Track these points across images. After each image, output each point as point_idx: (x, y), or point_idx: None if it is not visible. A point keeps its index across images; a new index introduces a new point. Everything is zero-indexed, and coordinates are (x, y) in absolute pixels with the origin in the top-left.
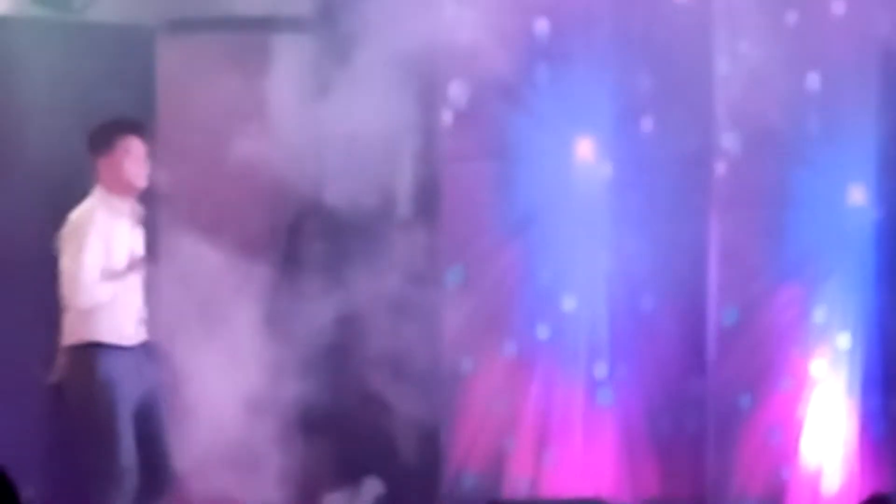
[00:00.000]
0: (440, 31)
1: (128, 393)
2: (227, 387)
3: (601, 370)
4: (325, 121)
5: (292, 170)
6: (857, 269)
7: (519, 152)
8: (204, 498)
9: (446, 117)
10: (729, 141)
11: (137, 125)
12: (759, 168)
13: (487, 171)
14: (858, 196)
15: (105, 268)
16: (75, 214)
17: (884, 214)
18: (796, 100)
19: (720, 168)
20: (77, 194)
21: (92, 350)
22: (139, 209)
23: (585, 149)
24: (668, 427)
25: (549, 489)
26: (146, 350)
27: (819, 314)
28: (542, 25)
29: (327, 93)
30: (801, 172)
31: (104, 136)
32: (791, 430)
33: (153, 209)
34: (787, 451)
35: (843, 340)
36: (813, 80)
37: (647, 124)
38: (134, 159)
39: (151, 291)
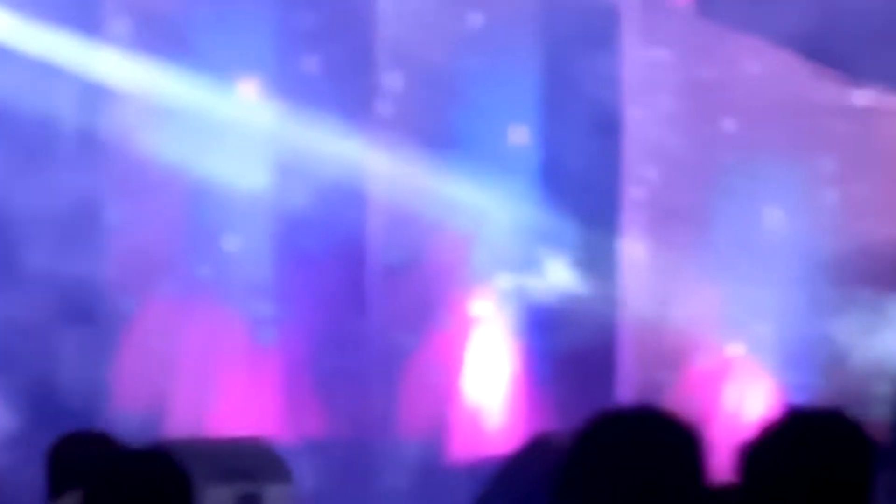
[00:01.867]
0: None
1: None
2: None
3: (264, 309)
4: None
5: None
6: (519, 209)
7: (181, 91)
8: None
9: None
10: (392, 80)
11: None
12: (421, 108)
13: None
14: (520, 136)
15: None
16: None
17: (545, 155)
18: (458, 39)
19: (384, 108)
20: None
21: None
22: None
23: (250, 88)
24: (331, 367)
25: (213, 429)
26: None
27: (480, 255)
28: None
29: None
30: (463, 112)
31: None
32: (454, 370)
33: None
34: (450, 391)
35: (506, 281)
36: (474, 19)
37: (310, 63)
38: None
39: None
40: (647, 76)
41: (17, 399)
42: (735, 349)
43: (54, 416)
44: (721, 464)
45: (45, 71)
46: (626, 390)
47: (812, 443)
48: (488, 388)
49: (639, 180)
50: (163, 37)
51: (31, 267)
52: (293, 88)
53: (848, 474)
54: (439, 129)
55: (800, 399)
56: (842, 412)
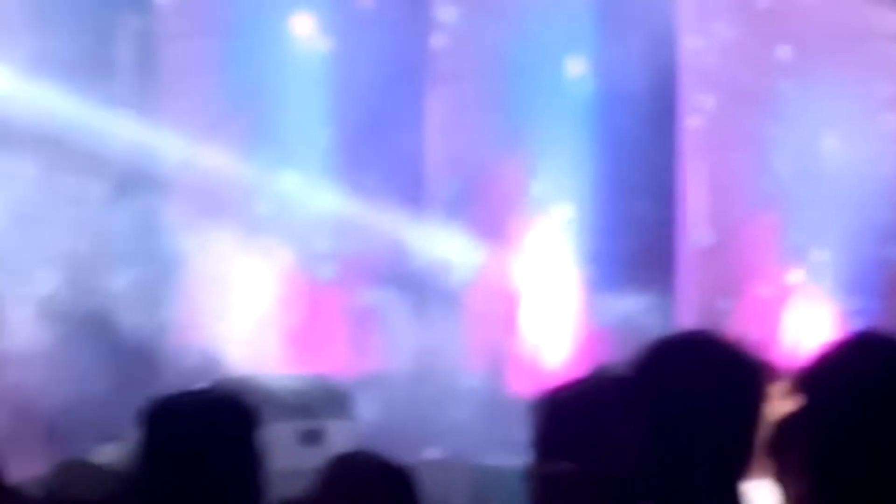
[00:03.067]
0: None
1: None
2: None
3: (321, 246)
4: None
5: None
6: (577, 141)
7: (235, 28)
8: None
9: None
10: (447, 14)
11: None
12: (477, 39)
13: (207, 49)
14: (577, 67)
15: None
16: None
17: (603, 86)
18: None
19: (438, 41)
20: None
21: None
22: None
23: (304, 24)
24: (391, 302)
25: (274, 367)
26: None
27: (539, 186)
28: None
29: None
30: (520, 43)
31: None
32: (511, 303)
33: None
34: (509, 325)
35: (565, 211)
36: None
37: None
38: None
39: None
40: (703, 4)
41: (82, 336)
42: (795, 275)
43: (115, 354)
44: (781, 390)
45: None
46: (687, 317)
47: (875, 365)
48: (549, 320)
49: (695, 109)
50: None
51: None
52: (348, 24)
53: None
54: (495, 62)
55: (860, 324)
56: None
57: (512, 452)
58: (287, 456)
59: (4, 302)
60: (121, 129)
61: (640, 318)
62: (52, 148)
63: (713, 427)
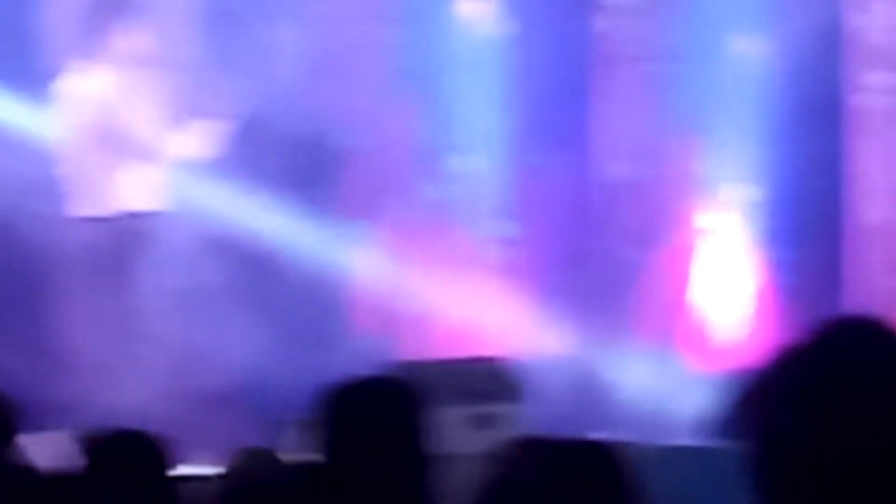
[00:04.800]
0: None
1: None
2: None
3: (498, 228)
4: None
5: None
6: (755, 120)
7: (408, 13)
8: None
9: None
10: None
11: None
12: (646, 21)
13: (372, 33)
14: (749, 46)
15: None
16: None
17: (773, 64)
18: None
19: (606, 22)
20: None
21: None
22: None
23: (477, 6)
24: (562, 283)
25: (444, 350)
26: None
27: (716, 166)
28: None
29: None
30: (689, 23)
31: None
32: (683, 283)
33: None
34: (680, 304)
35: (739, 190)
36: None
37: None
38: None
39: None
40: None
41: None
42: None
43: (300, 338)
44: None
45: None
46: (856, 297)
47: None
48: (720, 301)
49: (863, 87)
50: None
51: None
52: (519, 7)
53: None
54: (663, 41)
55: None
56: None
57: (686, 432)
58: (459, 440)
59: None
60: None
61: (812, 295)
62: None
63: (880, 419)
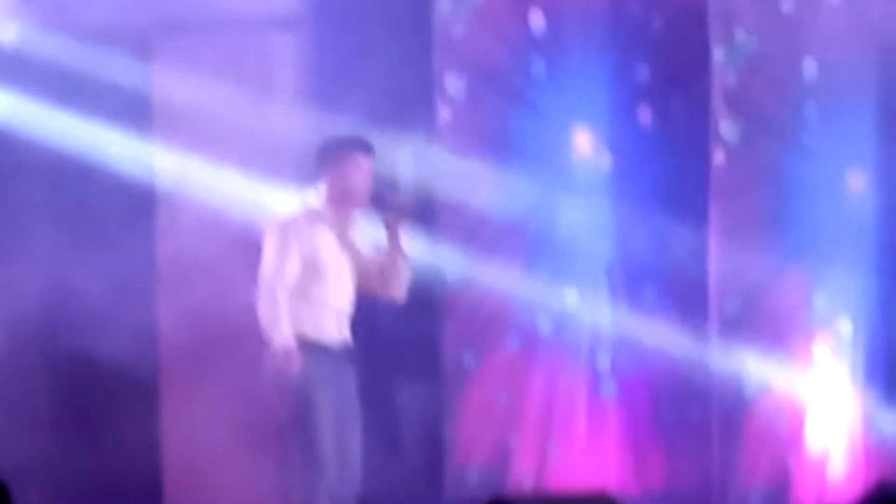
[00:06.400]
0: (436, 24)
1: (326, 389)
2: None
3: (604, 362)
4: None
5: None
6: (858, 256)
7: (516, 145)
8: None
9: (444, 112)
10: (727, 129)
11: (366, 144)
12: (757, 156)
13: (486, 165)
14: (857, 182)
15: (289, 275)
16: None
17: (883, 201)
18: (793, 86)
19: (719, 156)
20: None
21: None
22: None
23: (583, 140)
24: (673, 418)
25: (553, 483)
26: (346, 351)
27: (820, 301)
28: (537, 17)
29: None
30: (800, 159)
31: (332, 151)
32: (794, 418)
33: None
34: (792, 440)
35: (846, 327)
36: (809, 67)
37: (644, 114)
38: (360, 175)
39: None
40: None
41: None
42: None
43: (396, 472)
44: None
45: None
46: None
47: None
48: (830, 437)
49: None
50: (499, 91)
51: (381, 325)
52: (627, 139)
53: None
54: (775, 177)
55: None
56: None
57: None
58: None
59: None
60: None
61: None
62: None
63: None
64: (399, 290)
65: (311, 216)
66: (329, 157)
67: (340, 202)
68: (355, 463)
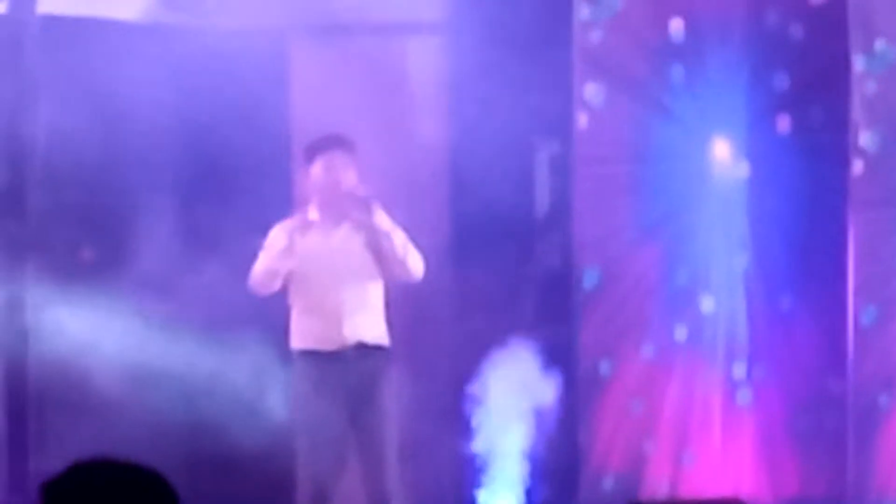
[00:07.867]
0: (576, 31)
1: (326, 398)
2: None
3: (740, 370)
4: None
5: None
6: None
7: (655, 153)
8: None
9: (582, 119)
10: (866, 139)
11: (337, 139)
12: (893, 166)
13: (623, 173)
14: None
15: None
16: None
17: None
18: None
19: (857, 166)
20: None
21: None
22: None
23: (721, 149)
24: (808, 426)
25: (688, 490)
26: (360, 353)
27: None
28: (676, 25)
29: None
30: None
31: (306, 155)
32: None
33: None
34: None
35: None
36: None
37: (783, 123)
38: (334, 171)
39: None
40: None
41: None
42: None
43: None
44: None
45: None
46: None
47: None
48: None
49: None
50: (638, 99)
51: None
52: (765, 147)
53: None
54: None
55: None
56: None
57: None
58: None
59: None
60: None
61: None
62: None
63: None
64: (412, 270)
65: (304, 226)
66: (306, 161)
67: (327, 204)
68: (383, 461)
